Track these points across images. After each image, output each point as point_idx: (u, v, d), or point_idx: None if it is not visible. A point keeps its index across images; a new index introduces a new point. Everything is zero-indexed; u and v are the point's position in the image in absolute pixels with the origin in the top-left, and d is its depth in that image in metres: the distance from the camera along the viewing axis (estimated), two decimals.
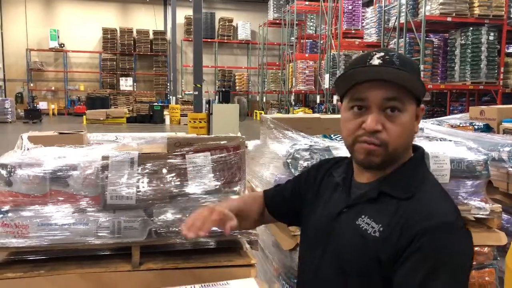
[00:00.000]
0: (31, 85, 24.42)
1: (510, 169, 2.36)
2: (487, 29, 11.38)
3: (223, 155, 1.94)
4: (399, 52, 1.17)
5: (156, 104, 21.89)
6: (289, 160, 2.09)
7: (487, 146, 2.53)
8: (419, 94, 1.02)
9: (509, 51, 13.39)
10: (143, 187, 1.83)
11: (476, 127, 3.14)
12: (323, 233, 1.12)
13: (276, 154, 2.31)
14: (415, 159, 1.08)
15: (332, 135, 2.33)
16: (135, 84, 25.30)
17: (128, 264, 1.80)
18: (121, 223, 1.78)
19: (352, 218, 1.06)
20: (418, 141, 1.91)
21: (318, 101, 18.51)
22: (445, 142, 2.29)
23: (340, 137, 2.27)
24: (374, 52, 1.03)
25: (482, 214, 2.14)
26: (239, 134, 2.09)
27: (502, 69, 11.58)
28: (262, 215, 1.41)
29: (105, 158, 1.81)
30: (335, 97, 16.22)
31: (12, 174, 1.72)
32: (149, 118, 20.35)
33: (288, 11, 21.55)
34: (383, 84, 0.99)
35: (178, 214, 1.87)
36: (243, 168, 1.98)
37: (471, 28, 11.41)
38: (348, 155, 1.13)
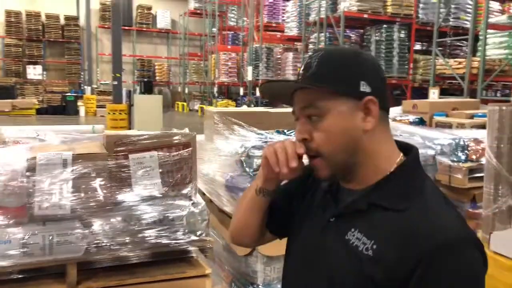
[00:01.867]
0: None
1: (451, 162, 2.42)
2: (398, 27, 12.10)
3: (171, 154, 1.73)
4: (334, 48, 1.24)
5: (69, 94, 20.41)
6: (243, 158, 1.93)
7: (427, 140, 2.58)
8: (344, 88, 0.89)
9: (416, 48, 14.36)
10: (79, 193, 1.56)
11: (411, 120, 3.22)
12: (311, 247, 0.99)
13: (224, 151, 2.14)
14: (408, 163, 0.93)
15: (285, 130, 2.21)
16: (44, 72, 23.31)
17: (63, 285, 1.54)
18: (54, 238, 1.50)
19: (341, 231, 0.92)
20: None
21: (241, 93, 18.49)
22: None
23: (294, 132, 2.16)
24: (307, 57, 0.98)
25: None
26: (187, 129, 1.88)
27: (411, 65, 12.37)
28: (263, 227, 1.14)
29: (30, 160, 1.52)
30: (258, 89, 16.32)
31: None
32: (62, 110, 18.93)
33: (209, 1, 21.20)
34: (299, 93, 0.95)
35: (121, 224, 1.63)
36: (194, 168, 1.79)
37: (384, 26, 12.05)
38: None
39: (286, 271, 1.08)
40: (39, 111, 18.76)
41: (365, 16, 11.89)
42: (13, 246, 1.45)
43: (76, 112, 18.94)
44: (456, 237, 0.81)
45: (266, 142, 1.98)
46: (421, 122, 3.23)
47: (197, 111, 20.79)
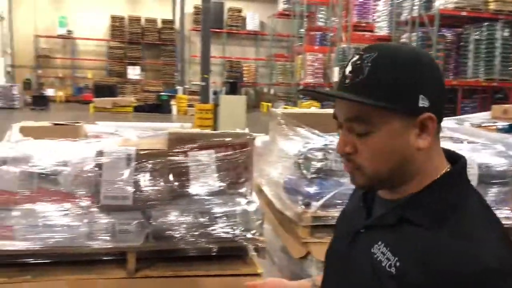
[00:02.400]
0: (39, 71, 24.32)
1: None
2: (502, 24, 11.08)
3: (228, 153, 1.77)
4: (390, 46, 0.85)
5: (163, 94, 21.70)
6: (300, 160, 1.92)
7: None
8: (401, 104, 0.78)
9: None
10: (141, 186, 1.67)
11: (500, 127, 2.94)
12: (340, 255, 0.96)
13: (286, 153, 2.14)
14: (449, 176, 0.83)
15: None
16: (142, 73, 25.12)
17: (123, 271, 1.65)
18: (116, 226, 1.62)
19: (368, 243, 0.87)
20: (441, 143, 1.73)
21: None
22: (471, 144, 2.11)
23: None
24: (355, 54, 0.84)
25: (511, 224, 1.96)
26: (247, 130, 1.92)
27: None
28: None
29: (99, 154, 1.65)
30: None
31: None
32: (156, 108, 20.17)
33: (298, 2, 21.22)
34: (345, 102, 0.82)
35: (179, 217, 1.71)
36: (250, 168, 1.81)
37: (485, 24, 11.11)
38: None
39: (323, 277, 1.06)
40: (136, 109, 20.21)
41: (463, 13, 11.06)
42: (80, 231, 1.59)
43: (169, 111, 20.05)
44: (487, 267, 0.70)
45: (326, 144, 1.94)
46: (511, 129, 2.93)
47: None
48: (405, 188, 0.84)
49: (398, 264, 0.79)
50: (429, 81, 0.81)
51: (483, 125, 2.98)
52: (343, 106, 0.83)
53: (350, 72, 0.82)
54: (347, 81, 0.82)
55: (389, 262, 0.80)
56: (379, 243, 0.84)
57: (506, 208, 1.98)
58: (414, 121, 0.79)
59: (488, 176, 1.95)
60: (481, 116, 3.31)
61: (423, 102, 0.79)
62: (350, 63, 0.83)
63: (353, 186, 1.10)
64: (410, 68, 0.80)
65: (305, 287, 1.13)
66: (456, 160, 0.86)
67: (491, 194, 1.96)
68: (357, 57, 0.82)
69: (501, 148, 2.09)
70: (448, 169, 0.84)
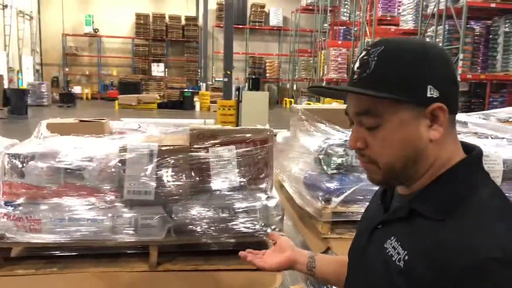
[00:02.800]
0: (66, 69, 24.95)
1: None
2: None
3: (249, 149, 1.79)
4: (395, 40, 0.84)
5: (186, 90, 21.92)
6: (321, 156, 1.92)
7: None
8: (409, 94, 0.78)
9: None
10: (163, 182, 1.70)
11: None
12: (359, 251, 0.97)
13: (306, 149, 2.14)
14: (460, 167, 0.82)
15: None
16: (166, 70, 25.44)
17: (146, 264, 1.69)
18: (138, 220, 1.66)
19: (383, 238, 0.88)
20: (464, 139, 1.70)
21: None
22: (496, 139, 2.06)
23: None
24: (362, 50, 0.85)
25: None
26: (267, 125, 1.92)
27: None
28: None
29: (123, 150, 1.69)
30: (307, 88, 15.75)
31: (25, 164, 1.62)
32: (180, 104, 20.42)
33: None
34: (353, 96, 0.84)
35: (200, 212, 1.74)
36: (270, 163, 1.82)
37: None
38: None
39: (347, 274, 1.07)
40: (160, 105, 20.48)
41: (493, 5, 10.74)
42: (104, 225, 1.63)
43: (192, 107, 20.25)
44: (491, 257, 0.70)
45: (346, 140, 1.93)
46: None
47: None
48: (420, 181, 0.84)
49: (406, 257, 0.79)
50: (438, 72, 0.81)
51: (510, 120, 2.89)
52: (353, 101, 0.84)
53: (358, 67, 0.84)
54: (355, 76, 0.84)
55: (399, 256, 0.81)
56: (392, 238, 0.85)
57: None
58: (423, 112, 0.80)
59: None
60: (508, 111, 3.22)
61: (431, 93, 0.79)
62: (358, 59, 0.85)
63: None
64: (416, 60, 0.80)
65: (304, 255, 1.24)
66: (471, 149, 0.85)
67: None
68: (364, 52, 0.84)
69: None
70: (460, 160, 0.83)
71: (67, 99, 20.33)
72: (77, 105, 20.38)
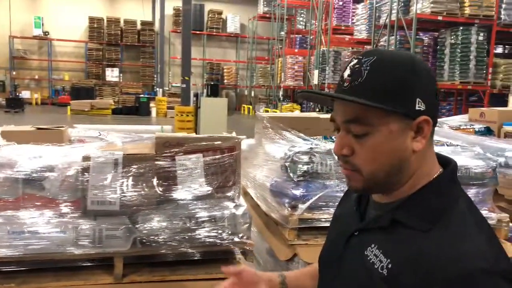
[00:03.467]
0: (14, 73, 23.79)
1: None
2: (477, 29, 11.38)
3: (216, 157, 1.78)
4: (385, 52, 0.88)
5: (142, 96, 21.51)
6: (287, 163, 1.94)
7: (492, 151, 2.41)
8: (399, 106, 0.80)
9: (497, 51, 13.44)
10: (128, 191, 1.66)
11: (477, 129, 3.03)
12: (333, 258, 0.97)
13: (271, 156, 2.15)
14: (440, 180, 0.85)
15: (333, 137, 2.18)
16: (121, 75, 24.84)
17: (110, 276, 1.64)
18: (103, 231, 1.61)
19: (362, 245, 0.89)
20: None
21: None
22: (451, 147, 2.17)
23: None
24: (353, 58, 0.87)
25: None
26: (234, 133, 1.92)
27: (490, 70, 11.58)
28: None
29: (86, 158, 1.64)
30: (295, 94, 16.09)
31: None
32: (135, 110, 19.99)
33: (279, 5, 21.34)
34: (343, 104, 0.84)
35: (166, 222, 1.71)
36: (238, 171, 1.82)
37: (461, 28, 11.39)
38: None
39: (318, 282, 1.07)
40: (114, 111, 19.95)
41: (440, 18, 11.32)
42: (66, 237, 1.57)
43: (148, 113, 19.87)
44: (476, 268, 0.72)
45: (311, 148, 1.96)
46: (487, 132, 3.02)
47: None
48: (399, 191, 0.87)
49: (390, 266, 0.81)
50: (425, 86, 0.84)
51: (461, 127, 3.06)
52: (342, 108, 0.85)
53: (348, 75, 0.84)
54: (345, 84, 0.84)
55: (382, 264, 0.82)
56: (372, 245, 0.86)
57: (485, 208, 2.04)
58: (411, 124, 0.82)
59: (467, 178, 2.01)
60: (459, 119, 3.39)
61: (419, 106, 0.82)
62: (348, 67, 0.86)
63: (340, 188, 1.13)
64: (407, 72, 0.82)
65: (274, 280, 1.12)
66: (447, 164, 0.89)
67: (470, 195, 2.02)
68: (355, 61, 0.85)
69: (478, 150, 2.16)
70: (440, 173, 0.86)
71: (15, 104, 19.38)
72: (25, 111, 19.48)
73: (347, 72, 0.85)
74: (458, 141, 2.55)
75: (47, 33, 23.90)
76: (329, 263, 0.99)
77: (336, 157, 0.90)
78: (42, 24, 23.60)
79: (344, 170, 0.88)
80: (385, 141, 0.82)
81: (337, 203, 1.12)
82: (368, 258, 0.85)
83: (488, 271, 0.72)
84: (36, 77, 24.55)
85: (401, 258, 0.80)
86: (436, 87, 0.88)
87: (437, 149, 2.16)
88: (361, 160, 0.84)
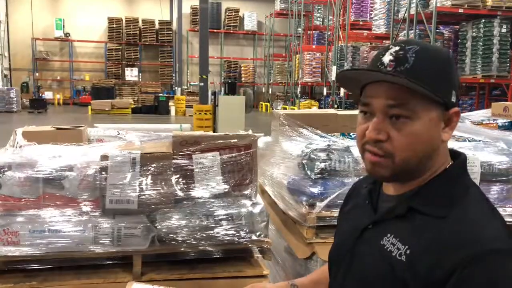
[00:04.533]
0: (37, 74, 24.31)
1: None
2: (499, 21, 11.09)
3: (233, 155, 1.78)
4: (424, 42, 0.92)
5: (161, 95, 21.70)
6: (304, 161, 1.92)
7: None
8: (441, 96, 0.83)
9: None
10: (146, 190, 1.67)
11: (500, 124, 2.95)
12: (346, 252, 0.98)
13: (289, 154, 2.14)
14: (453, 169, 0.89)
15: (351, 134, 2.15)
16: (140, 74, 25.11)
17: (129, 275, 1.65)
18: (122, 230, 1.62)
19: (377, 236, 0.91)
20: None
21: (325, 93, 18.26)
22: (473, 142, 2.11)
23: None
24: (391, 46, 0.87)
25: None
26: (250, 131, 1.92)
27: None
28: None
29: (104, 158, 1.65)
30: (342, 90, 15.97)
31: (1, 175, 1.56)
32: (154, 109, 20.19)
33: (295, 1, 21.22)
34: (387, 87, 0.84)
35: (184, 220, 1.71)
36: (255, 169, 1.82)
37: (483, 20, 11.12)
38: None
39: (329, 279, 1.07)
40: (134, 110, 20.19)
41: (461, 10, 11.07)
42: (86, 235, 1.59)
43: (167, 112, 20.04)
44: (493, 248, 0.76)
45: (329, 145, 1.94)
46: (511, 127, 2.94)
47: None
48: (416, 180, 0.89)
49: (408, 252, 0.83)
50: (457, 79, 0.90)
51: (484, 122, 2.98)
52: (384, 91, 0.84)
53: (391, 60, 0.85)
54: (389, 68, 0.84)
55: (400, 251, 0.84)
56: (388, 235, 0.88)
57: (509, 205, 1.99)
58: (445, 114, 0.86)
59: (490, 174, 1.96)
60: (482, 114, 3.31)
61: (453, 98, 0.86)
62: (388, 53, 0.86)
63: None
64: (446, 65, 0.86)
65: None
66: (457, 156, 0.93)
67: (493, 192, 1.97)
68: (397, 48, 0.86)
69: (502, 145, 2.10)
70: (452, 163, 0.91)
71: (38, 105, 19.79)
72: (48, 111, 19.88)
73: (389, 57, 0.85)
74: (480, 136, 2.48)
75: (68, 35, 24.33)
76: (339, 261, 1.00)
77: (365, 146, 0.88)
78: (63, 26, 24.03)
79: (373, 157, 0.87)
80: (424, 128, 0.84)
81: None
82: (386, 247, 0.87)
83: (506, 251, 0.77)
84: (58, 78, 25.04)
85: (420, 244, 0.82)
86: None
87: (458, 144, 2.12)
88: (397, 145, 0.85)
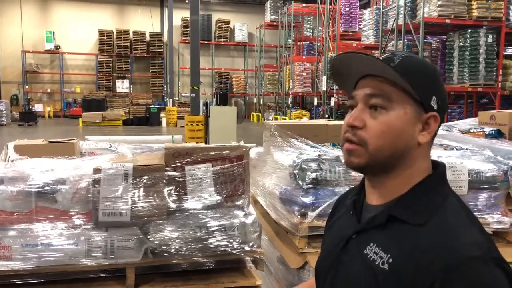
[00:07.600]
0: (27, 87, 24.17)
1: None
2: (485, 31, 11.30)
3: (225, 166, 1.79)
4: (414, 56, 0.98)
5: (152, 106, 21.68)
6: (296, 171, 1.94)
7: (503, 154, 2.39)
8: (419, 95, 0.88)
9: (507, 53, 13.31)
10: (139, 202, 1.68)
11: (487, 132, 3.00)
12: (332, 262, 0.99)
13: (280, 164, 2.16)
14: (433, 178, 0.92)
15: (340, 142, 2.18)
16: (131, 86, 25.10)
17: (123, 287, 1.65)
18: (114, 243, 1.63)
19: (361, 246, 0.93)
20: (432, 149, 1.77)
21: (315, 103, 18.39)
22: (461, 150, 2.15)
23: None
24: (384, 54, 0.96)
25: (502, 228, 2.00)
26: (242, 142, 1.94)
27: (500, 71, 11.48)
28: None
29: (96, 171, 1.66)
30: (333, 99, 16.10)
31: None
32: (146, 121, 20.16)
33: (285, 13, 21.44)
34: (370, 80, 0.92)
35: (177, 232, 1.72)
36: (247, 180, 1.83)
37: (469, 30, 11.32)
38: None
39: (315, 281, 1.08)
40: (125, 122, 20.14)
41: (447, 21, 11.27)
42: (79, 249, 1.59)
43: (159, 123, 20.02)
44: (473, 256, 0.78)
45: (320, 155, 1.97)
46: (498, 135, 2.99)
47: None
48: (393, 185, 0.92)
49: (390, 260, 0.85)
50: (442, 90, 0.93)
51: (471, 131, 3.03)
52: (368, 84, 0.91)
53: (382, 60, 0.90)
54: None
55: (382, 260, 0.86)
56: (371, 244, 0.90)
57: (497, 212, 2.02)
58: (422, 116, 0.90)
59: (478, 182, 1.99)
60: (469, 122, 3.37)
61: (433, 103, 0.90)
62: (380, 57, 0.93)
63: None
64: (431, 73, 0.92)
65: None
66: (436, 166, 0.96)
67: (481, 199, 2.01)
68: (389, 53, 0.94)
69: (489, 153, 2.14)
70: (432, 173, 0.93)
71: (28, 118, 19.66)
72: (39, 124, 19.75)
73: (381, 58, 0.91)
74: (468, 144, 2.53)
75: (58, 47, 24.27)
76: (325, 271, 1.01)
77: (345, 136, 0.92)
78: (54, 38, 23.98)
79: (349, 145, 0.91)
80: (397, 120, 0.88)
81: None
82: (369, 256, 0.89)
83: (483, 258, 0.78)
84: (49, 90, 24.91)
85: (400, 252, 0.84)
86: (447, 95, 0.96)
87: (446, 153, 2.16)
88: (371, 133, 0.89)
